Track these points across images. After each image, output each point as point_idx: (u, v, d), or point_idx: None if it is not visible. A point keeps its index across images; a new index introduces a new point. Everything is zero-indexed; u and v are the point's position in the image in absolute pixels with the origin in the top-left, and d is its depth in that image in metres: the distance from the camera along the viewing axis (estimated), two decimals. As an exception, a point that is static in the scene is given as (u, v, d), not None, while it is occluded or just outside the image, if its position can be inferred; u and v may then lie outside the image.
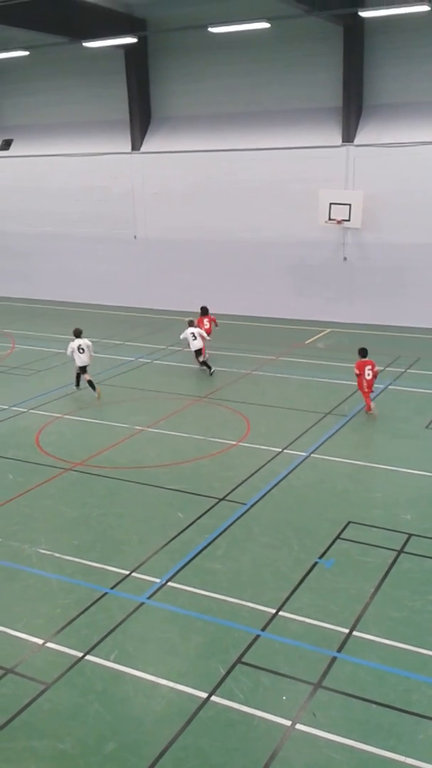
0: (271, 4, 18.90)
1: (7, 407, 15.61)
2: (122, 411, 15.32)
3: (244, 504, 10.90)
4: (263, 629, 7.89)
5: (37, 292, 28.34)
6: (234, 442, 13.48)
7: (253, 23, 19.71)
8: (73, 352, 16.40)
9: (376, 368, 14.83)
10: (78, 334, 16.69)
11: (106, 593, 8.63)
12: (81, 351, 16.36)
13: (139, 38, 23.14)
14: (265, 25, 19.82)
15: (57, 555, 9.52)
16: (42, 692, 7.02)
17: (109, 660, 7.45)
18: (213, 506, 10.86)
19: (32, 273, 28.78)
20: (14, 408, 15.57)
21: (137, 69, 25.14)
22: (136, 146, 26.02)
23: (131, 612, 8.25)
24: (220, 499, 11.08)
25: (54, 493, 11.49)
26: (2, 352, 20.64)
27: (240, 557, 9.40)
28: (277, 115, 23.91)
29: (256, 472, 12.10)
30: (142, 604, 8.41)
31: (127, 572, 9.06)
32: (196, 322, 18.68)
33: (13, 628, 8.00)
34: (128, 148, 26.18)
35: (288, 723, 6.58)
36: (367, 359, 14.89)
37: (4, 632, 7.95)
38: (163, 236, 26.29)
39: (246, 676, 7.18)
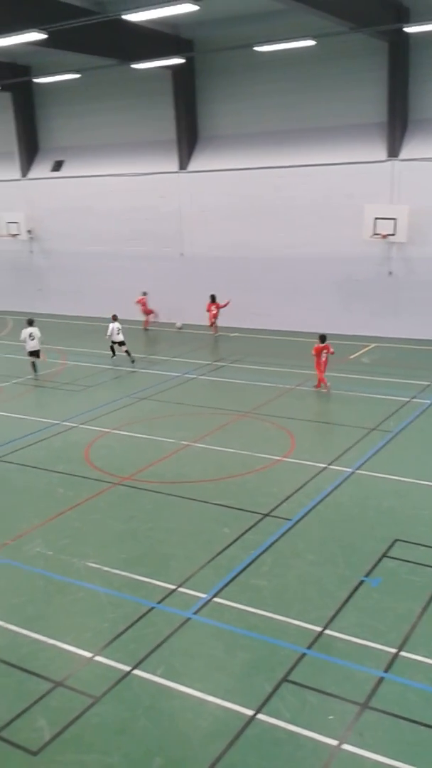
0: (316, 22, 19.05)
1: (58, 422, 15.92)
2: (168, 426, 15.48)
3: (289, 520, 10.91)
4: (309, 647, 7.88)
5: (87, 309, 28.84)
6: (279, 458, 13.51)
7: (299, 41, 19.87)
8: (25, 338, 19.44)
9: (331, 350, 17.64)
10: (30, 323, 19.74)
11: (153, 608, 8.73)
12: (32, 338, 19.46)
13: (186, 59, 23.55)
14: (311, 42, 19.97)
15: (105, 569, 9.67)
16: (90, 706, 7.13)
17: (156, 675, 7.54)
18: (258, 522, 10.90)
19: (82, 291, 29.30)
20: (65, 423, 15.88)
21: (184, 89, 25.56)
22: (183, 165, 26.38)
23: (178, 627, 8.33)
24: (265, 515, 11.12)
25: (103, 507, 11.67)
26: (54, 368, 21.06)
27: (285, 574, 9.41)
28: (322, 131, 23.99)
29: (300, 488, 12.10)
30: (189, 619, 8.48)
31: (174, 587, 9.15)
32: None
33: (62, 641, 8.15)
34: (176, 168, 26.56)
35: (335, 743, 6.56)
36: (325, 344, 17.55)
37: (54, 645, 8.11)
38: (208, 253, 26.54)
39: (292, 694, 7.18)
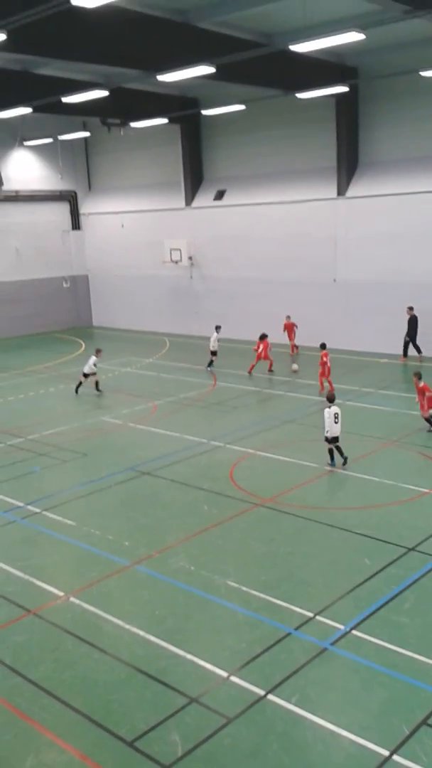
0: None
1: (206, 441, 16.29)
2: (312, 451, 15.36)
3: (437, 558, 10.48)
4: (452, 693, 7.51)
5: (238, 332, 29.34)
6: (426, 490, 13.02)
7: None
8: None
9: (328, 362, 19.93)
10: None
11: (289, 633, 8.67)
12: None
13: (350, 86, 23.55)
14: None
15: (244, 588, 9.74)
16: (223, 726, 7.16)
17: (290, 702, 7.46)
18: (401, 556, 10.55)
19: (235, 315, 29.85)
20: (213, 442, 16.22)
21: (347, 116, 25.56)
22: (341, 192, 26.31)
23: (314, 656, 8.21)
24: (410, 549, 10.74)
25: (244, 527, 11.78)
26: (204, 389, 21.60)
27: (430, 613, 9.03)
28: None
29: (450, 525, 11.59)
30: (325, 649, 8.34)
31: (311, 615, 9.05)
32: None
33: (200, 657, 8.27)
34: (334, 194, 26.53)
35: None
36: (324, 351, 20.10)
37: (191, 660, 8.25)
38: (362, 279, 26.23)
39: None
